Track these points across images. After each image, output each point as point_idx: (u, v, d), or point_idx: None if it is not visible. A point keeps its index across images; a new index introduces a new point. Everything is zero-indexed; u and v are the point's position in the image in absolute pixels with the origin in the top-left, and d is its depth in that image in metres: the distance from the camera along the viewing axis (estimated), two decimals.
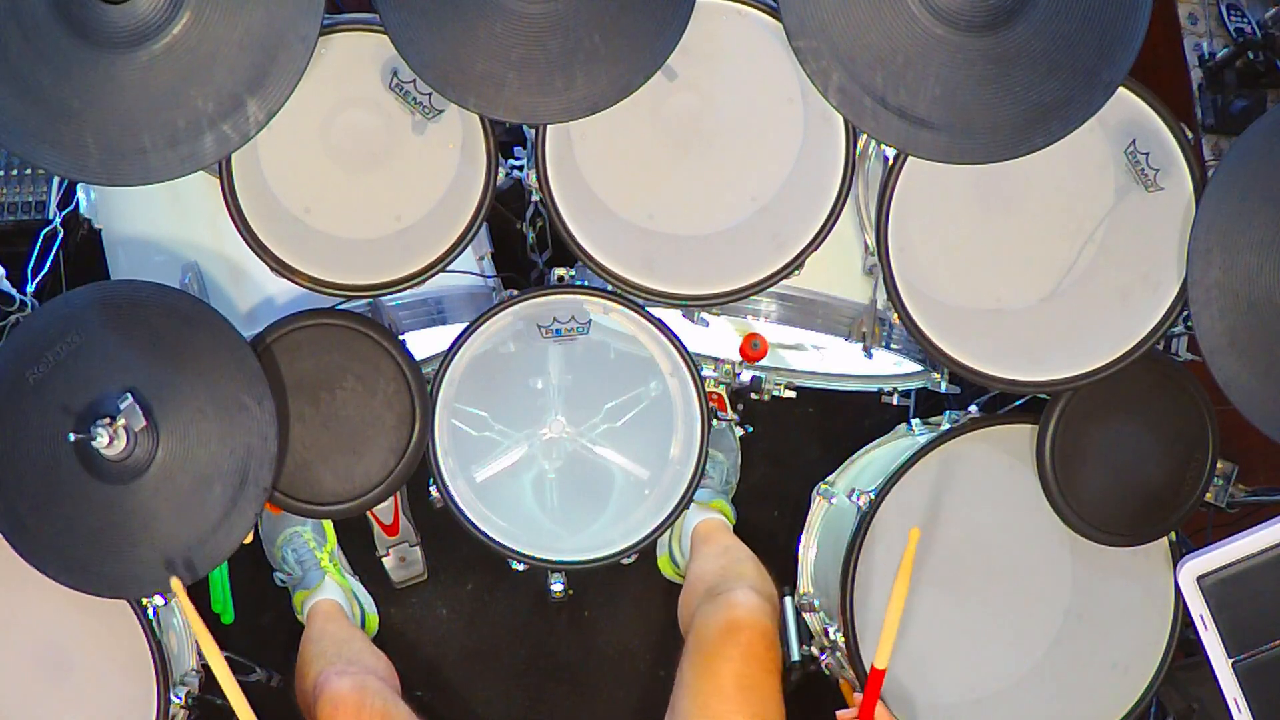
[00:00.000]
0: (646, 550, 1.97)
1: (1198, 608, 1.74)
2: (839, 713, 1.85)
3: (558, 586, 2.07)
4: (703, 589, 1.96)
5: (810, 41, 1.61)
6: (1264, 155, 1.65)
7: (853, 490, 1.95)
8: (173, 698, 1.80)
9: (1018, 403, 1.99)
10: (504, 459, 2.01)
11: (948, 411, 2.03)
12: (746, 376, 2.18)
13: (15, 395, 1.67)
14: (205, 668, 1.99)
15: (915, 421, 2.10)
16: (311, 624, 2.16)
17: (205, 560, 1.71)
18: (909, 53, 1.59)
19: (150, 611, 1.77)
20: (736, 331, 2.08)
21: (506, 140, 1.86)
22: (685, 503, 1.96)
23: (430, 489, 1.94)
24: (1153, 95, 1.72)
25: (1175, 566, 1.79)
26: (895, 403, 2.22)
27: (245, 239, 1.75)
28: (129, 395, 1.64)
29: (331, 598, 2.24)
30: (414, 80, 1.73)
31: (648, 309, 1.90)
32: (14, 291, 2.12)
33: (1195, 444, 1.88)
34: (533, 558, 1.96)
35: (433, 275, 1.80)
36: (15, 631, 1.80)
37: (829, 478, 2.17)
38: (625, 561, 1.97)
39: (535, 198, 1.80)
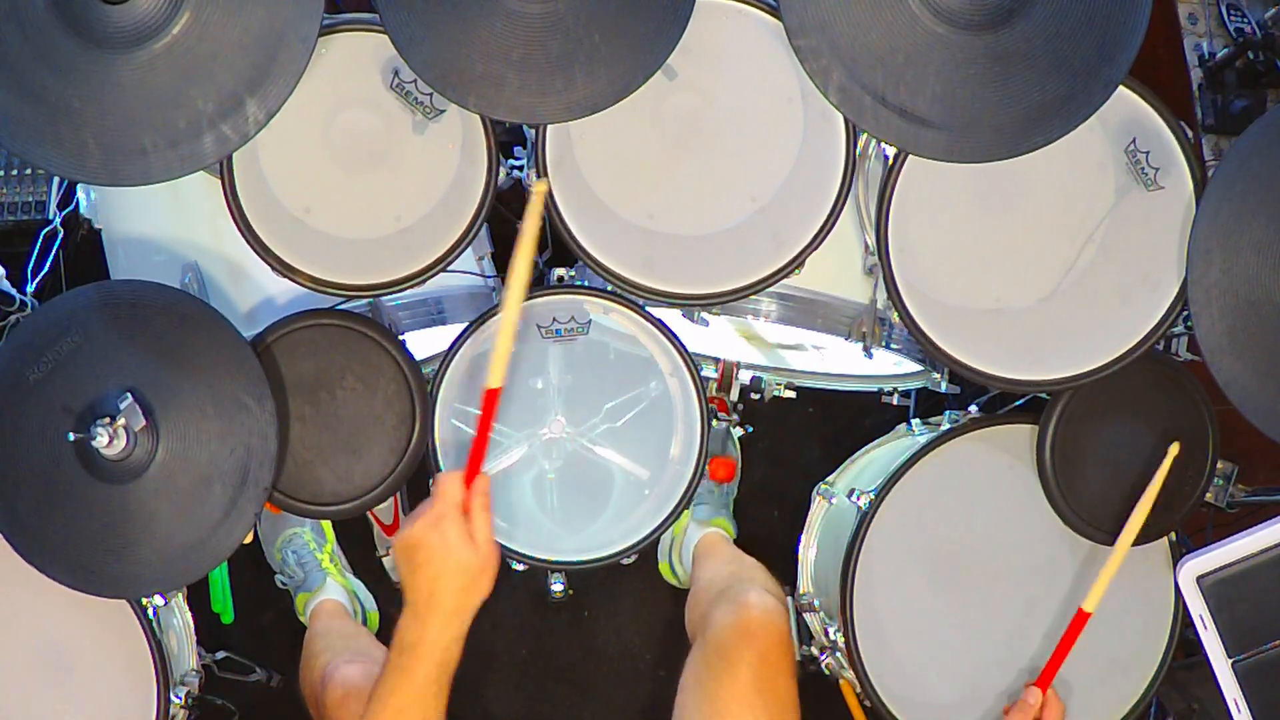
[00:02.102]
0: (646, 550, 1.97)
1: (1198, 608, 1.74)
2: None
3: (558, 586, 2.06)
4: (714, 592, 1.95)
5: (810, 40, 1.61)
6: (1264, 155, 1.64)
7: (853, 490, 1.95)
8: (173, 698, 1.80)
9: (1018, 403, 1.99)
10: (504, 459, 2.00)
11: (948, 411, 2.03)
12: (746, 377, 2.18)
13: (15, 395, 1.67)
14: (205, 668, 1.99)
15: (915, 421, 2.10)
16: (316, 621, 2.16)
17: (205, 560, 1.71)
18: (909, 51, 1.59)
19: (150, 611, 1.77)
20: (737, 331, 2.09)
21: (506, 140, 1.85)
22: (685, 503, 1.95)
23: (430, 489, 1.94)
24: (1153, 94, 1.71)
25: (1175, 566, 1.79)
26: (895, 403, 2.23)
27: (246, 239, 1.74)
28: (129, 395, 1.63)
29: (334, 598, 2.25)
30: (414, 80, 1.73)
31: (648, 309, 1.90)
32: (14, 291, 2.12)
33: (1195, 444, 1.88)
34: (533, 558, 1.96)
35: (433, 275, 1.80)
36: (15, 631, 1.80)
37: (829, 478, 2.17)
38: (625, 561, 1.97)
39: None
